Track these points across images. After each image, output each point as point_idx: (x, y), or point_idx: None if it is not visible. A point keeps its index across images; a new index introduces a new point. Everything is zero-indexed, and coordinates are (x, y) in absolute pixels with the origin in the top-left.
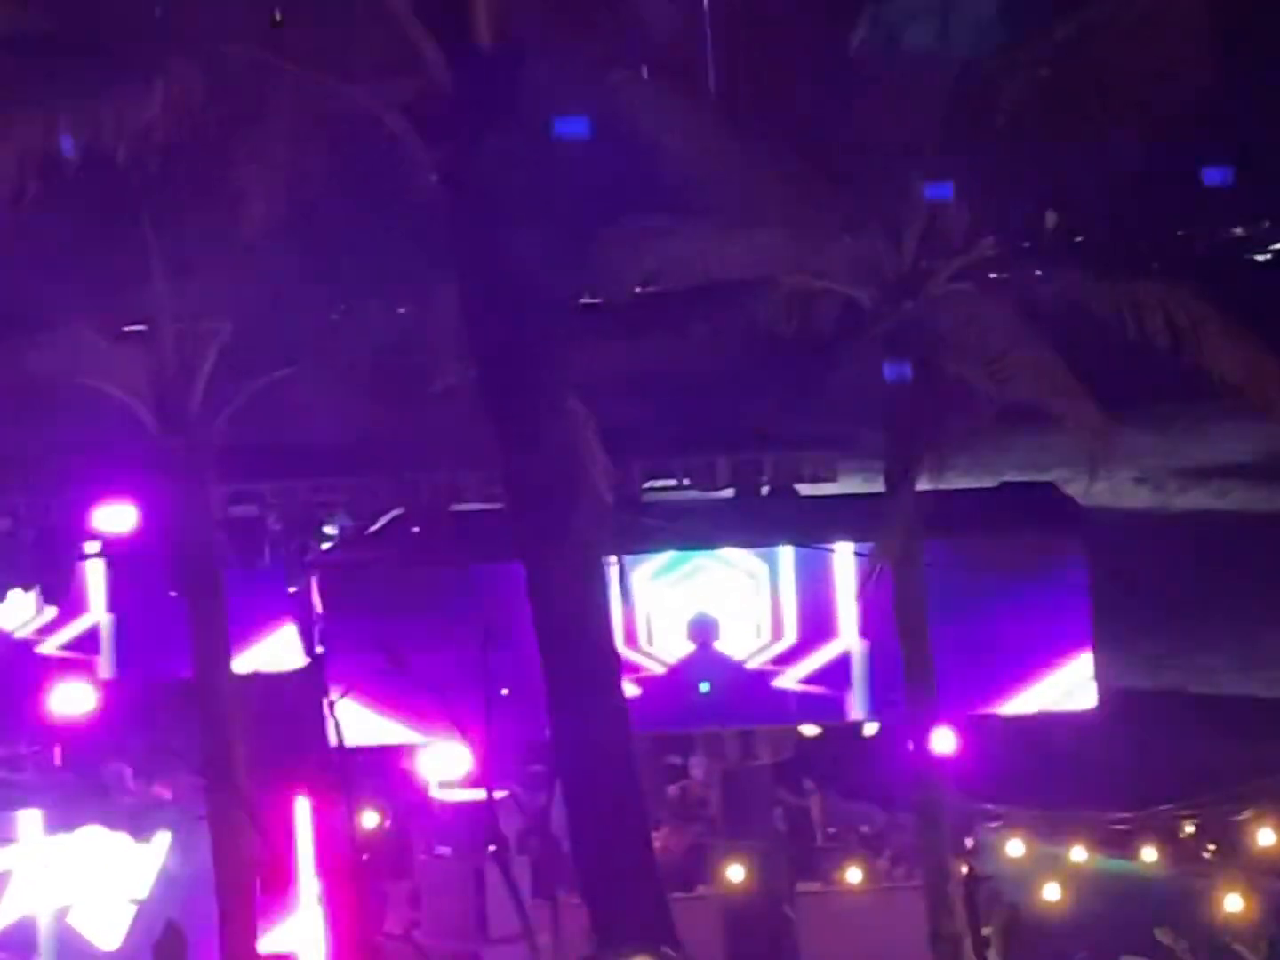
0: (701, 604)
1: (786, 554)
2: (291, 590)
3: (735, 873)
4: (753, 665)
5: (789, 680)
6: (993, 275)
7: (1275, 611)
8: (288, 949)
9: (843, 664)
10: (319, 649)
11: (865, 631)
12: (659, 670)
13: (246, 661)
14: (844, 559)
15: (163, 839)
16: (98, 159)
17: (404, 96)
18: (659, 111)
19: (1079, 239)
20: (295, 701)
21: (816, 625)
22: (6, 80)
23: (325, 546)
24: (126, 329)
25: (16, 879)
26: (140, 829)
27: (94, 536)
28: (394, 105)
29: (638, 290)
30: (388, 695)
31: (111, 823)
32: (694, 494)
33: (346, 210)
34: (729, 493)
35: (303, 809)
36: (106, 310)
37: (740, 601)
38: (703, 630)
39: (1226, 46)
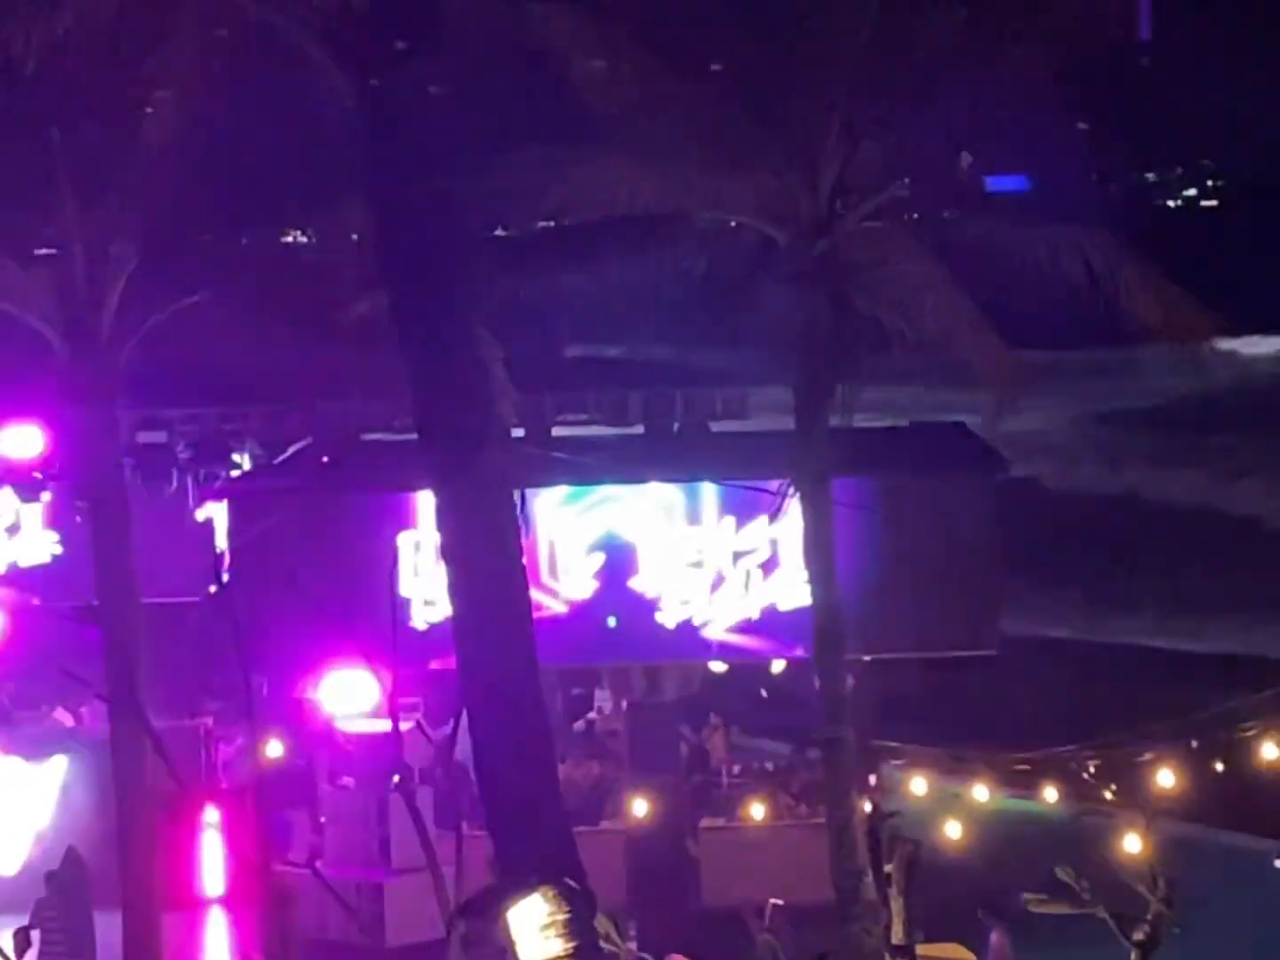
0: (612, 538)
1: (708, 489)
2: (199, 517)
3: (639, 807)
4: (660, 598)
5: (696, 614)
6: (907, 216)
7: (1197, 558)
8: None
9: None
10: (225, 577)
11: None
12: (562, 608)
13: (152, 588)
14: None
15: (61, 764)
16: (4, 78)
17: (320, 20)
18: (577, 40)
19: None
20: (201, 629)
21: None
22: None
23: (234, 474)
24: (36, 253)
25: None
26: (40, 754)
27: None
28: (310, 29)
29: (550, 223)
30: (294, 623)
31: (8, 747)
32: (605, 429)
33: (257, 135)
34: (639, 429)
35: (206, 737)
36: (15, 234)
37: (653, 533)
38: (613, 562)
39: None
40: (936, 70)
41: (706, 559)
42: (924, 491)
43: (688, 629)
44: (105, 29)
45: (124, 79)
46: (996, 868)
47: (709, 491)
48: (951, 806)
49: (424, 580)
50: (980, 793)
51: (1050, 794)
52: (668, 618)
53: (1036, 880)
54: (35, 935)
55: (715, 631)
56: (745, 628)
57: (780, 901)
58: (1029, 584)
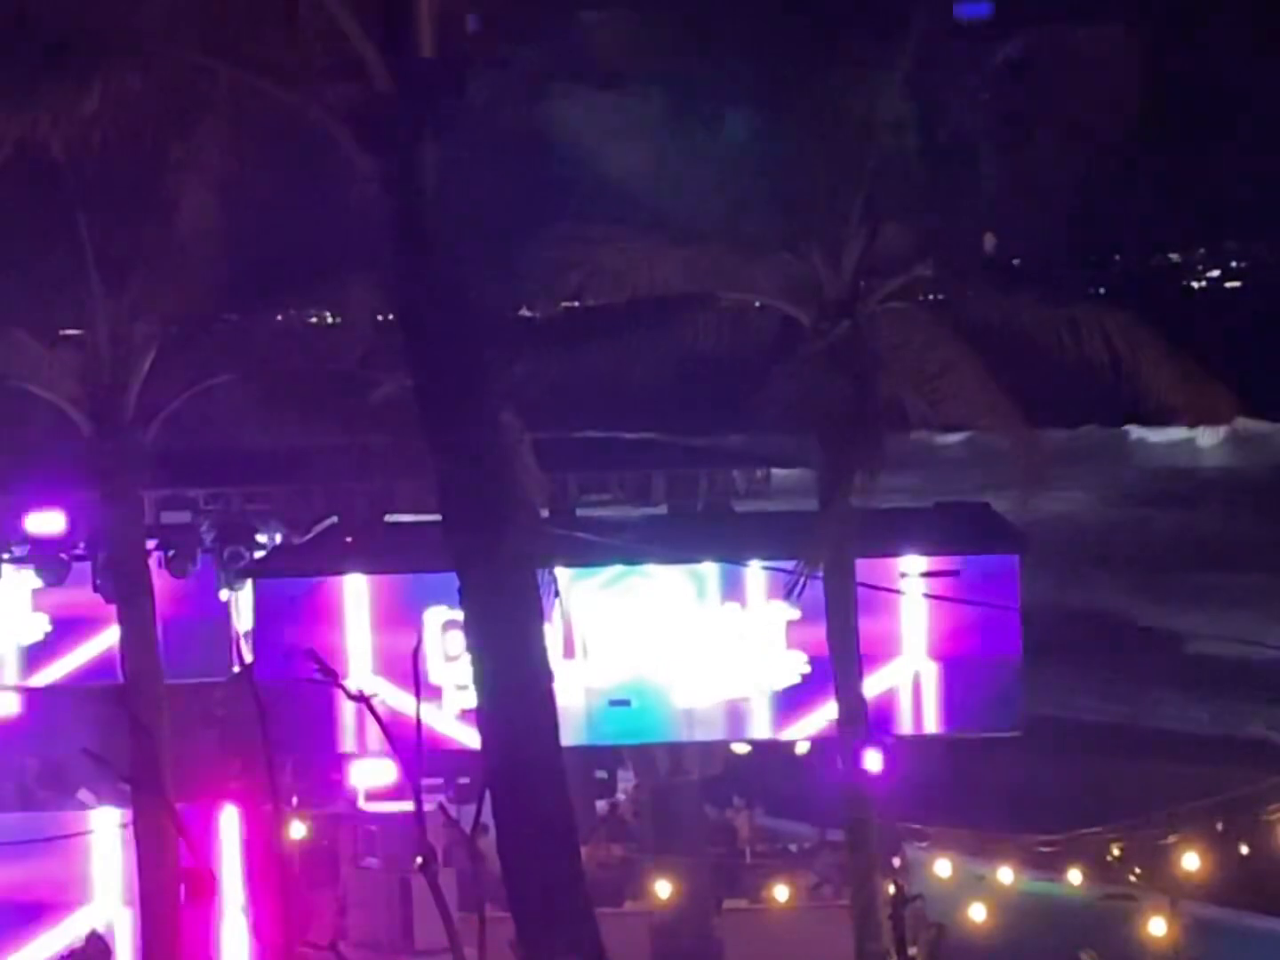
0: (635, 618)
1: (713, 570)
2: (223, 598)
3: (662, 888)
4: (683, 681)
5: (719, 697)
6: (930, 296)
7: (1218, 636)
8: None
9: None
10: (249, 657)
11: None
12: (584, 688)
13: (175, 669)
14: (774, 577)
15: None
16: (33, 162)
17: (345, 104)
18: (600, 123)
19: (1016, 261)
20: (224, 710)
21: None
22: None
23: (258, 555)
24: (61, 334)
25: None
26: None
27: (24, 539)
28: (334, 112)
29: (574, 304)
30: (317, 705)
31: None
32: (629, 509)
33: (282, 217)
34: (663, 509)
35: (229, 818)
36: (41, 314)
37: (677, 612)
38: (635, 642)
39: (1159, 79)
40: (960, 152)
41: (728, 639)
42: (948, 571)
43: (710, 709)
44: (131, 113)
45: (150, 163)
46: (1021, 950)
47: (734, 572)
48: (976, 888)
49: (453, 665)
50: (1005, 875)
51: (1075, 876)
52: (690, 698)
53: None
54: None
55: (737, 711)
56: (763, 708)
57: None
58: (1053, 663)
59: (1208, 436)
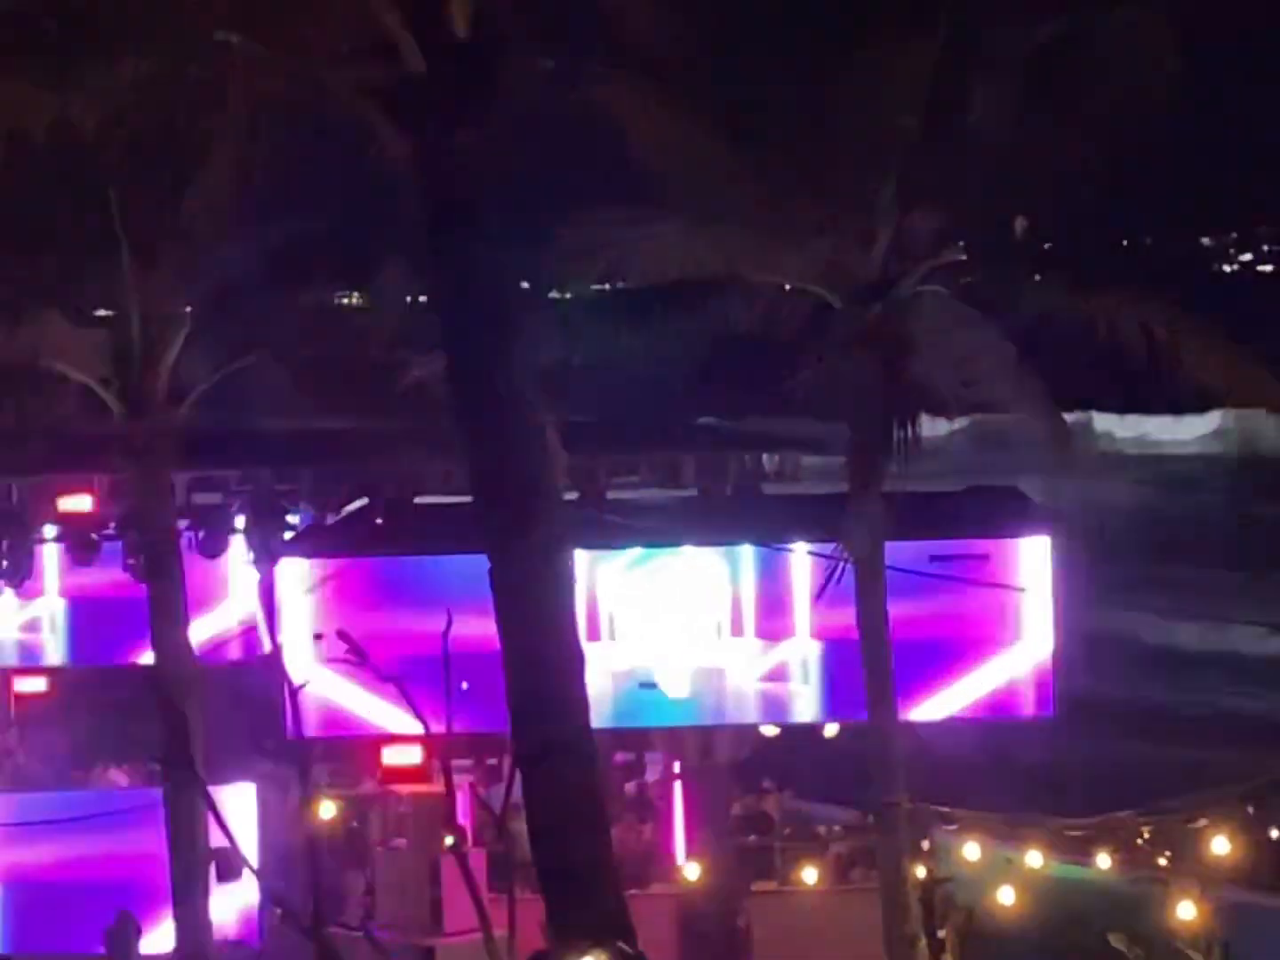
0: (664, 601)
1: (747, 553)
2: (254, 579)
3: (691, 871)
4: (712, 664)
5: (748, 679)
6: (962, 280)
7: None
8: (240, 938)
9: (800, 664)
10: (280, 638)
11: (821, 632)
12: (620, 666)
13: (206, 649)
14: (802, 560)
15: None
16: (66, 141)
17: (376, 84)
18: (632, 105)
19: (1047, 245)
20: (254, 690)
21: (775, 625)
22: None
23: (288, 536)
24: (93, 314)
25: None
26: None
27: (55, 520)
28: (365, 92)
29: (605, 286)
30: (347, 686)
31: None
32: (658, 492)
33: (312, 197)
34: (692, 491)
35: (259, 798)
36: (73, 295)
37: (701, 599)
38: (665, 624)
39: (1196, 63)
40: (992, 135)
41: (756, 622)
42: (979, 554)
43: (739, 692)
44: (163, 93)
45: (181, 143)
46: (1050, 934)
47: (762, 555)
48: (1005, 872)
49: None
50: (1034, 858)
51: (1104, 860)
52: (720, 681)
53: (1090, 947)
54: None
55: (766, 694)
56: (797, 691)
57: None
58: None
59: (1201, 425)
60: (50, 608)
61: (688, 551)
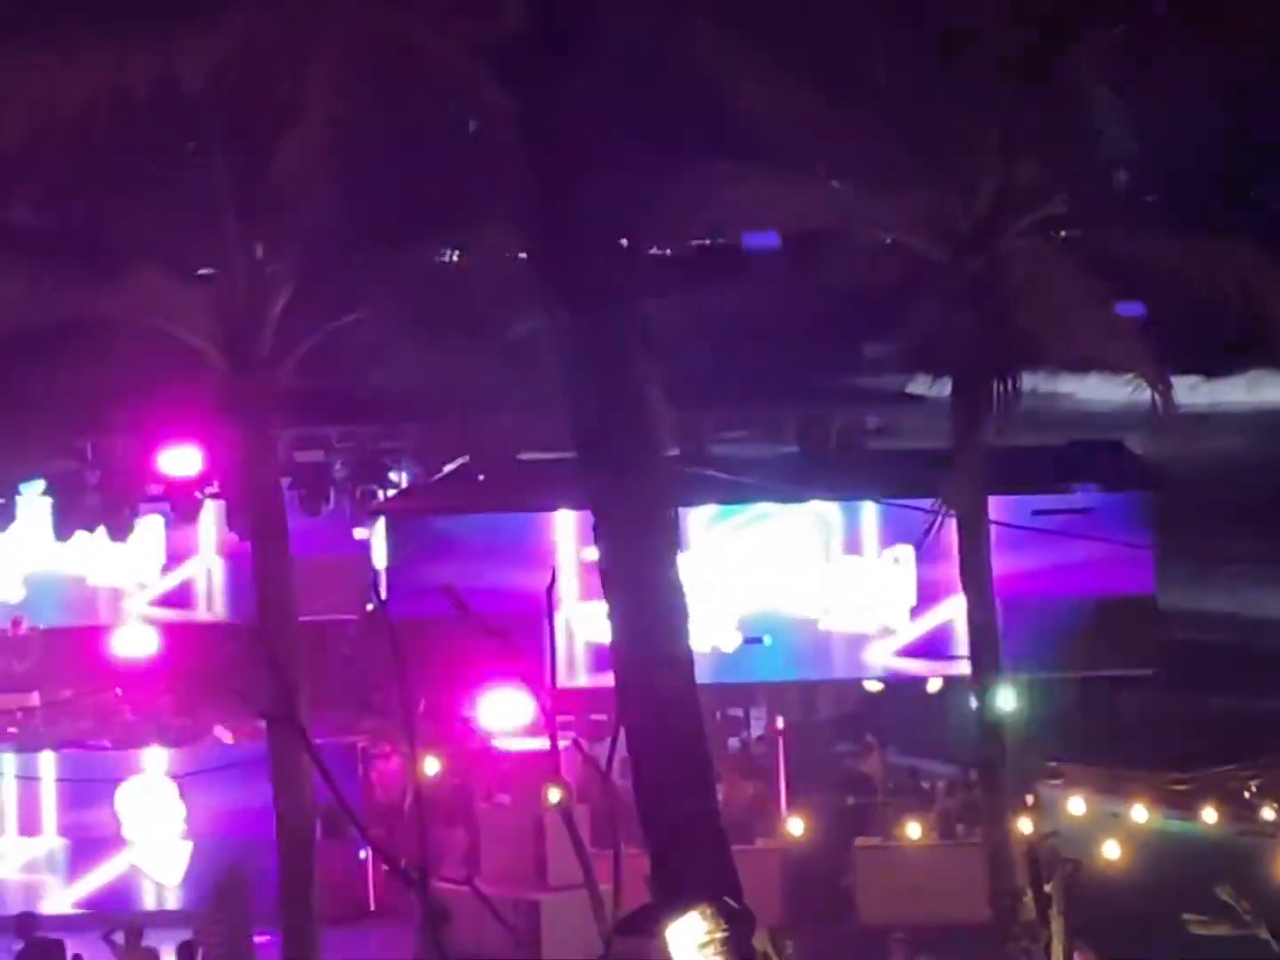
0: (770, 556)
1: (867, 508)
2: (356, 536)
3: (795, 826)
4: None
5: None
6: (1064, 232)
7: None
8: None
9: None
10: (383, 595)
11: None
12: (726, 621)
13: (310, 606)
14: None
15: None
16: (170, 100)
17: (478, 39)
18: (734, 59)
19: (1149, 198)
20: (359, 647)
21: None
22: (77, 10)
23: (391, 493)
24: (197, 272)
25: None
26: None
27: (159, 479)
28: (464, 44)
29: (706, 242)
30: (451, 641)
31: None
32: (760, 447)
33: (415, 151)
34: (794, 447)
35: (363, 755)
36: (177, 252)
37: (811, 551)
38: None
39: None
40: (1093, 86)
41: (863, 577)
42: (1079, 509)
43: (843, 647)
44: (267, 48)
45: (283, 100)
46: (1156, 888)
47: (867, 510)
48: (1110, 827)
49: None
50: (1139, 813)
51: (1210, 814)
52: (823, 636)
53: (1197, 901)
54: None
55: (873, 649)
56: (904, 648)
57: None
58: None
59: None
60: (206, 564)
61: (790, 507)
